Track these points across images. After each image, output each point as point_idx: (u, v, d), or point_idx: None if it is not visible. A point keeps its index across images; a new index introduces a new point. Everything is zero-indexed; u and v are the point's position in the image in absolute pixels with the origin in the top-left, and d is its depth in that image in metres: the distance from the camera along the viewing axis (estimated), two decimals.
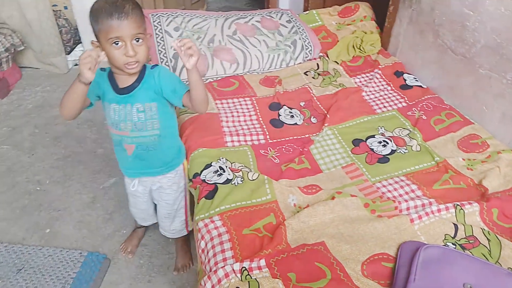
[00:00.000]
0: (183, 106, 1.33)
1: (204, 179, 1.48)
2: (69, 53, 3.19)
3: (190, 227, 1.70)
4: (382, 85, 2.11)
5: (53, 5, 2.98)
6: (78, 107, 1.24)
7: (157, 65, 1.36)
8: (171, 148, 1.48)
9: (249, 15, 2.36)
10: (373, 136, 1.77)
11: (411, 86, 2.06)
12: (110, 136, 1.43)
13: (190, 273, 1.76)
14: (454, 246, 1.26)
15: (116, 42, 1.17)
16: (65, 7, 3.10)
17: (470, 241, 1.28)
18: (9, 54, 2.82)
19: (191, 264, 1.78)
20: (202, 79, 1.26)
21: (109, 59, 1.22)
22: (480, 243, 1.27)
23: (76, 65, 3.26)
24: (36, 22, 2.90)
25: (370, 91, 2.07)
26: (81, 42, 3.22)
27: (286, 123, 1.85)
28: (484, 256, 1.23)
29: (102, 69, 1.32)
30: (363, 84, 2.13)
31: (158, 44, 2.12)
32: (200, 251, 1.29)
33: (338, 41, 2.43)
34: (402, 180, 1.54)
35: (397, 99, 2.00)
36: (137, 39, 1.20)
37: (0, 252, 1.79)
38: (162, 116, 1.35)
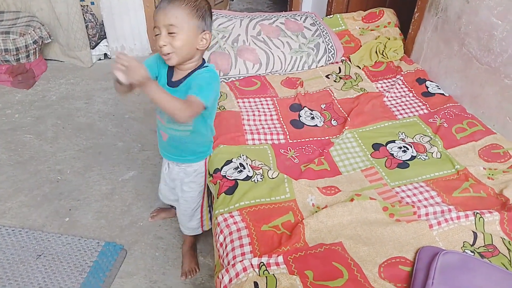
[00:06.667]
0: None
1: (225, 175, 1.50)
2: (94, 47, 3.25)
3: (206, 227, 1.72)
4: (404, 91, 2.11)
5: (80, 0, 3.04)
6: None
7: (208, 65, 1.34)
8: (203, 142, 1.54)
9: (274, 16, 2.38)
10: (393, 141, 1.76)
11: (433, 94, 2.05)
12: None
13: (202, 267, 1.78)
14: (473, 254, 1.25)
15: (156, 31, 1.18)
16: (92, 3, 3.16)
17: (489, 250, 1.27)
18: (36, 46, 2.89)
19: (197, 269, 1.76)
20: (157, 94, 1.11)
21: None
22: (499, 252, 1.26)
23: (100, 59, 3.32)
24: (64, 16, 2.97)
25: (392, 97, 2.07)
26: (106, 37, 3.27)
27: (306, 124, 1.86)
28: (504, 265, 1.22)
29: None
30: (384, 90, 2.13)
31: None
32: (218, 245, 1.30)
33: (361, 46, 2.43)
34: (421, 186, 1.53)
35: (418, 106, 1.99)
36: (171, 31, 1.17)
37: (22, 237, 1.84)
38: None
